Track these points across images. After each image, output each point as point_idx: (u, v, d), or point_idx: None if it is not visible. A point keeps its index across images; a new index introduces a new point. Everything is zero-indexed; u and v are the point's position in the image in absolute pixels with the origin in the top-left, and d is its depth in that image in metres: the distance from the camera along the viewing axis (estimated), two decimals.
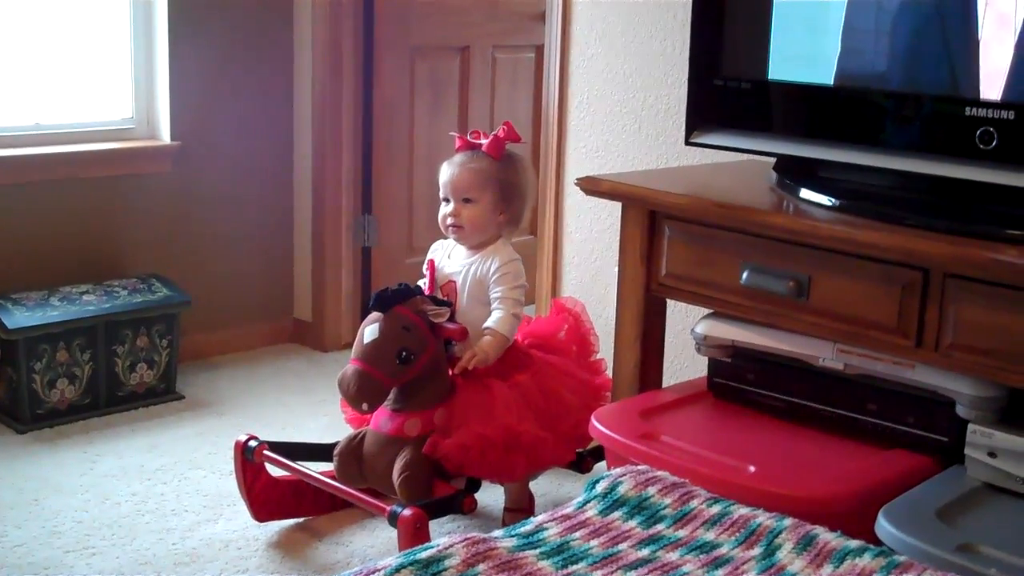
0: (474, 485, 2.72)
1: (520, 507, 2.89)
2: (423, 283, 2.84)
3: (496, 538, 1.66)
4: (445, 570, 1.55)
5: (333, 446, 2.77)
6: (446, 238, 2.88)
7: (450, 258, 2.85)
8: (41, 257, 3.70)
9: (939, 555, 1.83)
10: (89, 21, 3.86)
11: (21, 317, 3.42)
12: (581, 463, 2.92)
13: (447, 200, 2.81)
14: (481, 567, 1.57)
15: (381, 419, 2.70)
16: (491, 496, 2.95)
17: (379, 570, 1.54)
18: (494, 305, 2.75)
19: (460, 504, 2.63)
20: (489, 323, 2.74)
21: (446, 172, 2.82)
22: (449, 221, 2.80)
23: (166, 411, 3.65)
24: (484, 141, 2.82)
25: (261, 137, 4.17)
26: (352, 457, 2.72)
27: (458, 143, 2.85)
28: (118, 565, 2.69)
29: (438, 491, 2.64)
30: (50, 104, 3.81)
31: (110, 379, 3.62)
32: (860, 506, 2.07)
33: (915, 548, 1.85)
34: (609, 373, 2.79)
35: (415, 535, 2.43)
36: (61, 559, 2.71)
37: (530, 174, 2.90)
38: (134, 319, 3.64)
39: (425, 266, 2.87)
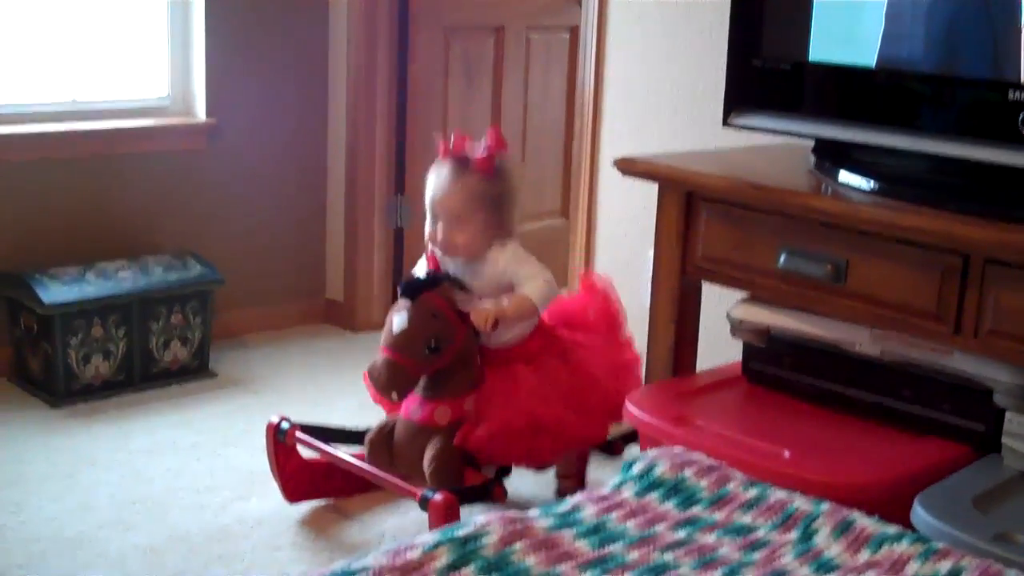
0: (504, 473, 2.72)
1: (570, 472, 2.89)
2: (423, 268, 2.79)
3: (533, 517, 1.66)
4: (482, 547, 1.56)
5: (364, 432, 2.77)
6: None
7: (449, 263, 2.76)
8: (77, 233, 3.73)
9: (975, 543, 1.81)
10: None
11: (57, 293, 3.45)
12: (612, 446, 2.92)
13: (436, 218, 2.68)
14: (518, 545, 1.57)
15: (411, 407, 2.70)
16: (521, 484, 2.95)
17: (417, 546, 1.54)
18: (523, 282, 2.68)
19: (491, 493, 2.63)
20: (520, 289, 2.66)
21: (433, 187, 2.68)
22: (440, 243, 2.67)
23: (199, 388, 3.67)
24: (471, 149, 2.67)
25: (295, 116, 4.18)
26: (383, 445, 2.72)
27: (441, 149, 2.70)
28: (151, 540, 2.71)
29: (468, 480, 2.64)
30: (86, 81, 3.82)
31: (144, 356, 3.64)
32: (895, 493, 2.06)
33: (951, 536, 1.83)
34: (642, 354, 2.77)
35: (445, 519, 2.42)
36: (95, 533, 2.73)
37: (516, 183, 2.78)
38: (168, 296, 3.65)
39: (427, 261, 2.79)
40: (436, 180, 2.70)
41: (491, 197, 2.68)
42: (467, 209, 2.66)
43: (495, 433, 2.61)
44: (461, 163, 2.68)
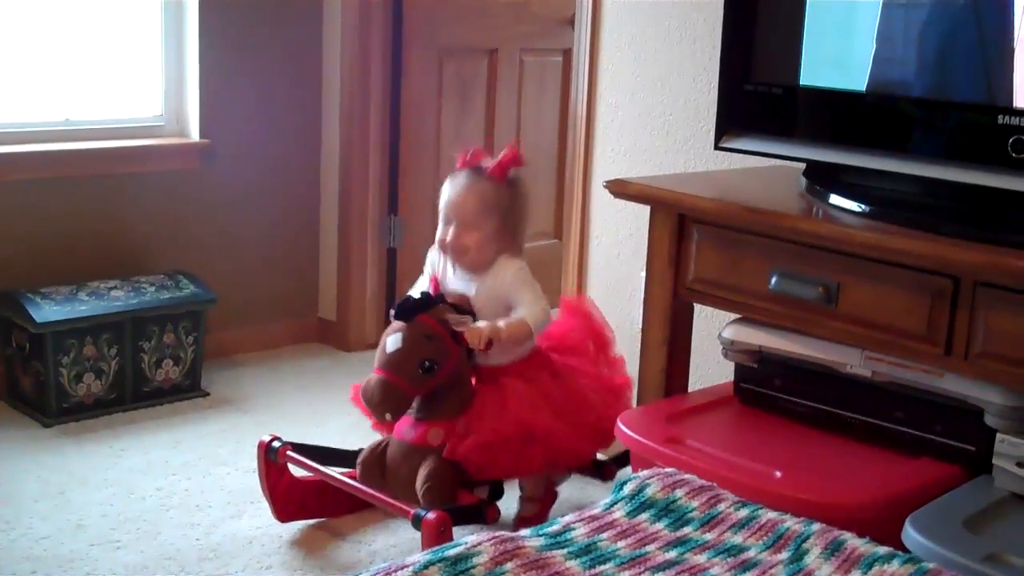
0: (497, 494, 2.72)
1: (535, 496, 2.88)
2: (426, 284, 2.81)
3: (524, 537, 1.66)
4: (473, 567, 1.55)
5: (356, 453, 2.77)
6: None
7: (453, 275, 2.80)
8: (70, 252, 3.73)
9: (966, 564, 1.82)
10: (120, 19, 3.88)
11: (49, 311, 3.45)
12: (603, 470, 2.92)
13: (448, 221, 2.76)
14: (509, 565, 1.57)
15: (404, 428, 2.70)
16: (515, 505, 2.94)
17: (407, 566, 1.54)
18: (521, 306, 2.72)
19: (484, 514, 2.63)
20: (517, 312, 2.70)
21: (448, 192, 2.77)
22: (451, 245, 2.74)
23: (191, 407, 3.66)
24: (487, 161, 2.77)
25: (289, 136, 4.19)
26: (375, 465, 2.72)
27: (460, 160, 2.80)
28: (142, 559, 2.71)
29: (461, 501, 2.64)
30: (80, 100, 3.83)
31: (136, 375, 3.63)
32: (886, 514, 2.07)
33: (942, 557, 1.84)
34: (634, 376, 2.78)
35: (439, 538, 2.42)
36: (86, 552, 2.73)
37: (528, 197, 2.85)
38: (161, 315, 3.66)
39: (428, 282, 2.83)
40: (451, 186, 2.78)
41: (502, 206, 2.75)
42: (479, 214, 2.72)
43: (484, 443, 2.61)
44: (476, 171, 2.77)
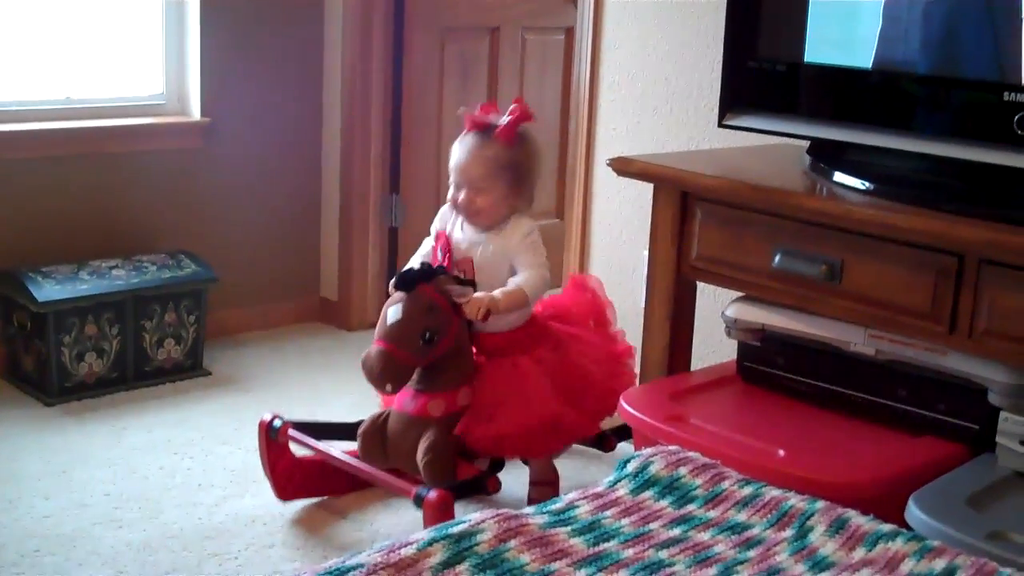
0: (497, 465, 2.72)
1: (547, 479, 2.89)
2: (428, 249, 2.81)
3: (527, 515, 1.66)
4: (476, 545, 1.56)
5: (357, 425, 2.77)
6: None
7: (463, 232, 2.79)
8: (71, 231, 3.72)
9: (969, 542, 1.82)
10: None
11: (51, 290, 3.44)
12: (604, 442, 2.92)
13: (459, 185, 2.75)
14: (513, 543, 1.57)
15: (405, 399, 2.69)
16: (515, 476, 2.95)
17: (411, 544, 1.54)
18: (521, 270, 2.72)
19: (485, 485, 2.63)
20: (514, 279, 2.70)
21: (457, 155, 2.76)
22: (463, 207, 2.74)
23: (193, 387, 3.66)
24: (495, 118, 2.75)
25: (290, 115, 4.18)
26: (376, 437, 2.72)
27: (467, 124, 2.77)
28: (145, 537, 2.71)
29: (462, 472, 2.64)
30: (81, 79, 3.82)
31: (138, 354, 3.63)
32: (889, 492, 2.07)
33: (945, 535, 1.84)
34: (637, 354, 2.78)
35: (440, 517, 2.41)
36: (89, 530, 2.73)
37: (539, 151, 2.83)
38: (162, 294, 3.65)
39: (433, 238, 2.81)
40: (460, 149, 2.76)
41: (512, 165, 2.73)
42: (489, 177, 2.72)
43: (508, 433, 2.61)
44: (485, 132, 2.75)
